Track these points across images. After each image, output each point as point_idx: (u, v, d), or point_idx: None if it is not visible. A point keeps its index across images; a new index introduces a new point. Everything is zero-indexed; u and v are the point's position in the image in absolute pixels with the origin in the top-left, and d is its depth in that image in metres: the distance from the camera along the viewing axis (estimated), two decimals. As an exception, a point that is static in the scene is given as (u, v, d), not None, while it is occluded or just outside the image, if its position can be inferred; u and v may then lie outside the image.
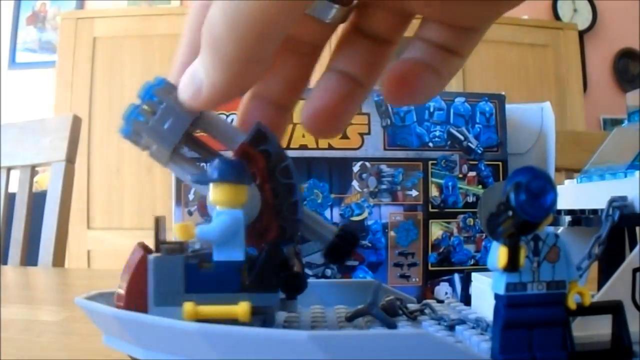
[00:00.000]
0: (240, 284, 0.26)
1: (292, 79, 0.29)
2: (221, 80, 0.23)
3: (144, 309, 0.27)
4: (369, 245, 0.51)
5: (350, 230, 0.31)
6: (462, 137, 0.53)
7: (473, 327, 0.31)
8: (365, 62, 0.28)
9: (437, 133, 0.52)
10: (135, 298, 0.27)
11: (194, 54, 0.25)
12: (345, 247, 0.31)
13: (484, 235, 0.51)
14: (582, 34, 2.62)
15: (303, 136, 0.51)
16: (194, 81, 0.24)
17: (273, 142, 0.28)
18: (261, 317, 0.28)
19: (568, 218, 0.37)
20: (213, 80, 0.23)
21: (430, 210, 0.52)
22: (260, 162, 0.28)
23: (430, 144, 0.52)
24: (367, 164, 0.51)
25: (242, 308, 0.25)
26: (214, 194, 0.27)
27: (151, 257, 0.27)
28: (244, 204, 0.27)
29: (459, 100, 0.53)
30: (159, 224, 0.29)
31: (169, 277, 0.27)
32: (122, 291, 0.28)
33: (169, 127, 0.27)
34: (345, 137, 0.51)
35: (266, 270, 0.27)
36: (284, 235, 0.29)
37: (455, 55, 0.27)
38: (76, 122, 1.17)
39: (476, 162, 0.52)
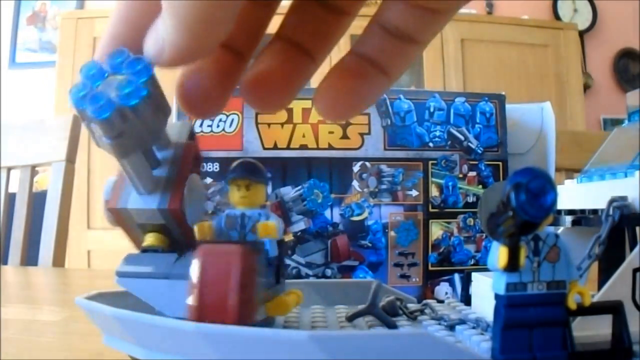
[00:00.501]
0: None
1: (249, 24, 0.27)
2: (181, 41, 0.22)
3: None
4: (369, 245, 0.51)
5: None
6: (462, 137, 0.52)
7: (473, 327, 0.31)
8: (316, 32, 0.26)
9: (437, 133, 0.52)
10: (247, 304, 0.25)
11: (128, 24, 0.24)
12: None
13: (484, 235, 0.51)
14: (582, 34, 2.62)
15: (303, 136, 0.51)
16: (156, 41, 0.23)
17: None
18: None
19: (568, 218, 0.37)
20: (173, 40, 0.22)
21: (431, 210, 0.52)
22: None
23: (431, 144, 0.52)
24: (367, 164, 0.51)
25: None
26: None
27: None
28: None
29: (459, 100, 0.53)
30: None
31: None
32: (233, 302, 0.24)
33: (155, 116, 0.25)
34: (345, 137, 0.51)
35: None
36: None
37: (413, 43, 0.25)
38: (76, 122, 1.17)
39: (476, 162, 0.52)
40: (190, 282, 0.24)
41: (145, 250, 0.28)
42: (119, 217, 0.28)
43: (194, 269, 0.24)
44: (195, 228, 0.29)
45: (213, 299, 0.24)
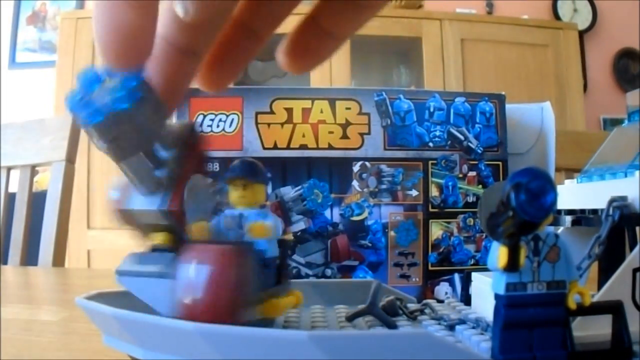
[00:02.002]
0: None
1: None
2: None
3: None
4: (369, 245, 0.51)
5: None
6: (462, 137, 0.52)
7: (473, 327, 0.31)
8: (265, 14, 0.27)
9: (437, 133, 0.52)
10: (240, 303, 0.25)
11: None
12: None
13: (484, 235, 0.51)
14: (582, 34, 2.62)
15: (303, 136, 0.51)
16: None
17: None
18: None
19: (568, 218, 0.37)
20: None
21: (430, 210, 0.52)
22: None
23: (431, 144, 0.52)
24: (367, 163, 0.51)
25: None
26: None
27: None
28: None
29: (459, 100, 0.53)
30: None
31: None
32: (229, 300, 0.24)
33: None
34: (345, 137, 0.51)
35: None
36: None
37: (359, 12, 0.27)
38: (76, 122, 1.17)
39: (476, 162, 0.52)
40: (177, 281, 0.25)
41: (154, 249, 0.28)
42: (124, 217, 0.28)
43: (179, 269, 0.25)
44: (191, 228, 0.28)
45: (199, 298, 0.24)
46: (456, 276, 0.51)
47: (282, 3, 0.27)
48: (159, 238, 0.27)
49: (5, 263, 1.11)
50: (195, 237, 0.28)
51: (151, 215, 0.27)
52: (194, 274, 0.24)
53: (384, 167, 0.51)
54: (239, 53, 0.27)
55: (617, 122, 2.39)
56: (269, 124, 0.51)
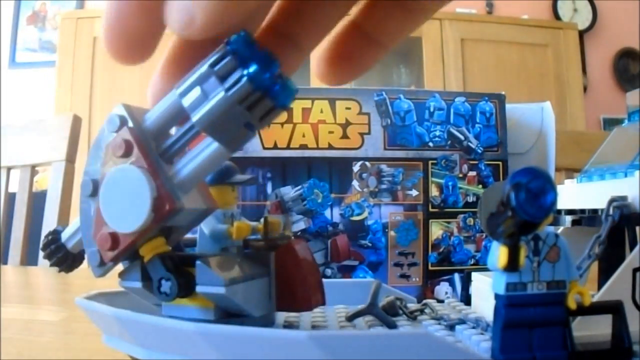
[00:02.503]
0: None
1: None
2: (220, 4, 0.20)
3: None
4: (369, 245, 0.51)
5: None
6: (462, 137, 0.52)
7: (473, 327, 0.31)
8: (307, 24, 0.25)
9: (437, 133, 0.52)
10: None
11: None
12: None
13: (484, 235, 0.51)
14: (582, 34, 2.62)
15: (303, 136, 0.51)
16: (184, 7, 0.20)
17: None
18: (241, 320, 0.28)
19: (568, 218, 0.37)
20: (209, 4, 0.20)
21: (430, 210, 0.52)
22: None
23: (431, 144, 0.52)
24: (367, 163, 0.51)
25: None
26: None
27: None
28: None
29: (459, 100, 0.53)
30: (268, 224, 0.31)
31: None
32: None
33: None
34: (345, 136, 0.51)
35: None
36: None
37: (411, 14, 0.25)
38: (76, 122, 1.17)
39: (476, 162, 0.52)
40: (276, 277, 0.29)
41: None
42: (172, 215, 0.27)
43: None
44: (234, 228, 0.30)
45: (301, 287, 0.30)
46: (456, 276, 0.51)
47: (329, 17, 0.25)
48: (157, 243, 0.27)
49: (5, 263, 1.11)
50: (239, 236, 0.30)
51: (195, 213, 0.27)
52: (291, 266, 0.30)
53: (384, 167, 0.51)
54: (286, 67, 0.25)
55: (617, 122, 2.38)
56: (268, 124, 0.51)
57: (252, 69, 0.22)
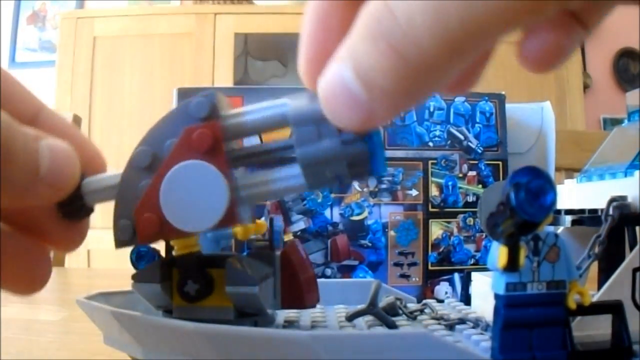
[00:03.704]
0: None
1: None
2: (402, 88, 0.17)
3: None
4: (369, 245, 0.51)
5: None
6: (462, 137, 0.52)
7: (473, 327, 0.31)
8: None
9: (437, 132, 0.52)
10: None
11: (322, 47, 0.20)
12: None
13: (484, 234, 0.51)
14: (582, 34, 2.61)
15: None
16: (354, 99, 0.17)
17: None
18: (253, 319, 0.28)
19: (568, 218, 0.37)
20: (390, 89, 0.17)
21: (430, 209, 0.52)
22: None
23: (430, 144, 0.52)
24: (367, 163, 0.51)
25: None
26: None
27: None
28: None
29: (459, 99, 0.53)
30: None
31: None
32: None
33: None
34: (345, 136, 0.51)
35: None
36: None
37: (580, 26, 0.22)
38: (76, 121, 1.17)
39: (476, 162, 0.52)
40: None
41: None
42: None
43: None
44: (239, 228, 0.31)
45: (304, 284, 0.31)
46: (456, 276, 0.51)
47: None
48: (191, 241, 0.26)
49: (5, 263, 1.11)
50: (244, 236, 0.31)
51: None
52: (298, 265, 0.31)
53: (383, 166, 0.51)
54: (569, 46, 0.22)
55: (617, 122, 2.38)
56: (268, 124, 0.51)
57: (376, 134, 0.22)
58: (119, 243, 0.25)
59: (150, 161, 0.24)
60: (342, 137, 0.22)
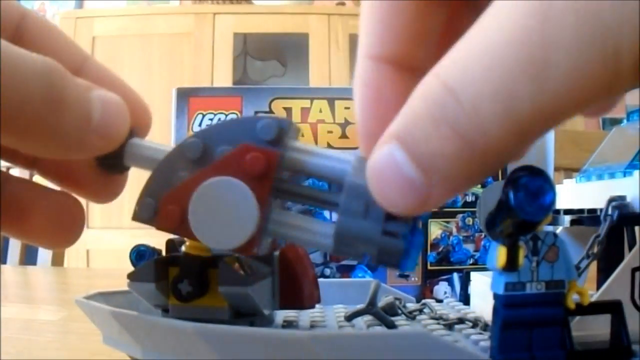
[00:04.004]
0: None
1: (416, 26, 0.20)
2: (464, 173, 0.16)
3: None
4: (368, 244, 0.51)
5: None
6: (461, 137, 0.52)
7: (472, 327, 0.31)
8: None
9: (436, 132, 0.52)
10: None
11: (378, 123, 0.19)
12: None
13: (483, 234, 0.51)
14: (581, 34, 2.62)
15: (302, 135, 0.51)
16: (402, 175, 0.17)
17: None
18: (249, 319, 0.28)
19: (567, 217, 0.37)
20: (451, 174, 0.16)
21: (430, 209, 0.52)
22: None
23: (430, 144, 0.52)
24: (367, 163, 0.51)
25: None
26: None
27: None
28: None
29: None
30: None
31: None
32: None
33: None
34: (344, 136, 0.51)
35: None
36: None
37: None
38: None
39: (475, 162, 0.52)
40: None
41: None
42: None
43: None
44: None
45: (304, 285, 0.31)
46: (455, 276, 0.51)
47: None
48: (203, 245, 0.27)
49: (5, 262, 1.11)
50: None
51: None
52: (297, 265, 0.30)
53: (383, 166, 0.51)
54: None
55: (616, 122, 2.38)
56: (268, 124, 0.51)
57: (417, 238, 0.21)
58: (137, 217, 0.24)
59: (199, 156, 0.23)
60: (386, 226, 0.21)
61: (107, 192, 0.25)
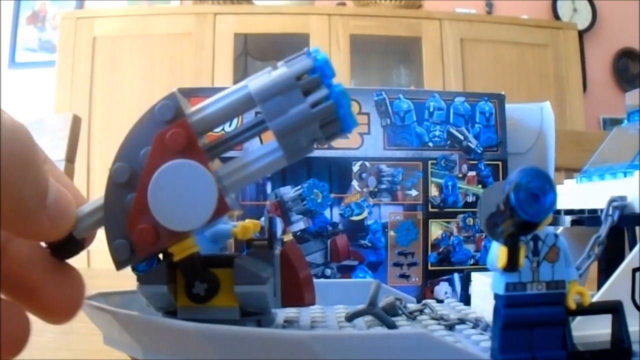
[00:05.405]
0: None
1: None
2: None
3: None
4: (369, 245, 0.51)
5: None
6: (461, 137, 0.53)
7: (473, 327, 0.31)
8: None
9: (437, 133, 0.52)
10: None
11: None
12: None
13: (484, 234, 0.51)
14: (581, 34, 2.62)
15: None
16: None
17: None
18: (256, 318, 0.28)
19: (568, 218, 0.37)
20: None
21: (430, 209, 0.52)
22: None
23: (430, 144, 0.52)
24: (367, 163, 0.51)
25: None
26: None
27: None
28: None
29: (458, 100, 0.53)
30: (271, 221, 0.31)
31: None
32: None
33: None
34: (344, 136, 0.51)
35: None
36: None
37: None
38: (76, 121, 1.17)
39: (476, 162, 0.52)
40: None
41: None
42: None
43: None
44: (238, 228, 0.31)
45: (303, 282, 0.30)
46: (456, 276, 0.51)
47: None
48: (189, 243, 0.26)
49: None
50: (244, 235, 0.30)
51: None
52: (298, 264, 0.30)
53: (383, 167, 0.51)
54: None
55: (616, 122, 2.38)
56: (268, 124, 0.51)
57: (338, 89, 0.23)
58: (119, 263, 0.25)
59: (129, 175, 0.24)
60: (309, 100, 0.22)
61: (63, 302, 0.25)
